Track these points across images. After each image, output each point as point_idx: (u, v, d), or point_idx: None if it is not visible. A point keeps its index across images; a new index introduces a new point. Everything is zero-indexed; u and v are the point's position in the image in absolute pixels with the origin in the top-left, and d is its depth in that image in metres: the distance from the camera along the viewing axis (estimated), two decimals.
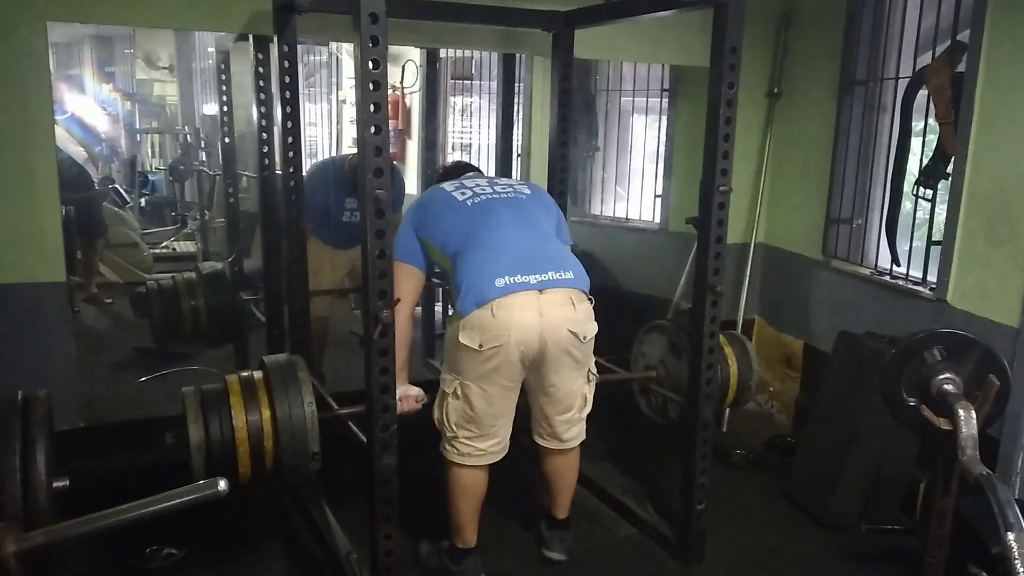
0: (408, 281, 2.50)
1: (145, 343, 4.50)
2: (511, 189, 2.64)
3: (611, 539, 3.04)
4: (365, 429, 2.29)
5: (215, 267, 4.14)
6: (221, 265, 4.24)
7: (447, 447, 2.57)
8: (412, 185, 6.22)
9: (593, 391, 2.70)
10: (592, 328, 2.54)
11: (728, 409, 3.67)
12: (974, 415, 2.22)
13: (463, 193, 2.57)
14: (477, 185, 2.62)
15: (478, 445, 2.53)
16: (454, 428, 2.53)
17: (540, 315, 2.38)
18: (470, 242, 2.46)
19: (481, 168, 3.02)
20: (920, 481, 3.03)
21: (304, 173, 3.11)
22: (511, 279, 2.37)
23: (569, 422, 2.67)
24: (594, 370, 2.67)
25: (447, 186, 2.64)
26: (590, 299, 2.54)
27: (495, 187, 2.63)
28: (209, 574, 2.74)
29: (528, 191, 2.67)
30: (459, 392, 2.48)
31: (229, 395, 2.27)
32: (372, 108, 2.01)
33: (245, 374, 2.36)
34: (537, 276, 2.40)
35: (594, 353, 2.65)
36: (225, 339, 4.14)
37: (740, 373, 3.09)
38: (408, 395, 2.52)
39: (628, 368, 3.31)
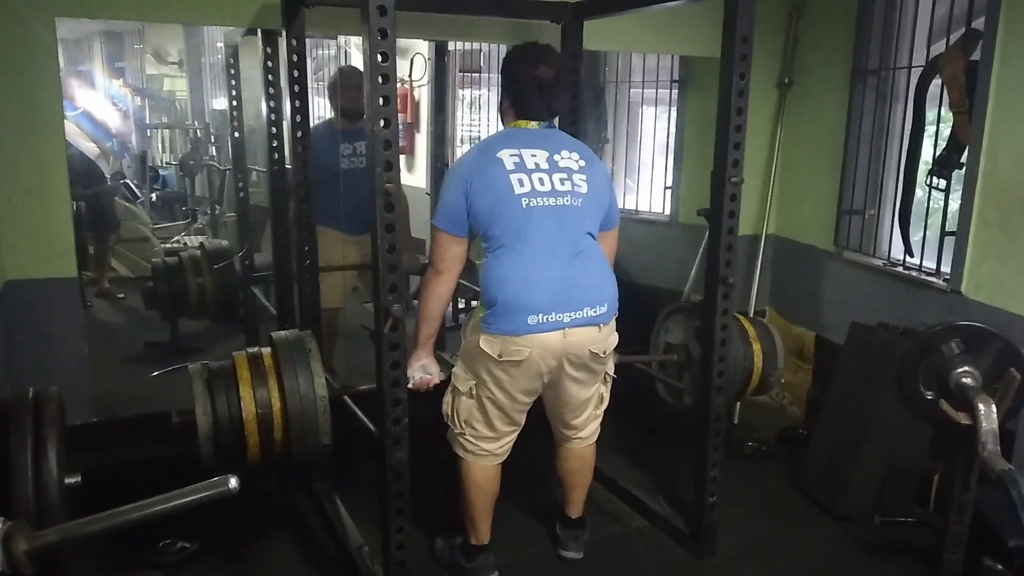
0: (455, 249, 2.41)
1: (157, 337, 4.53)
2: (569, 186, 2.41)
3: (623, 532, 3.04)
4: (376, 423, 2.28)
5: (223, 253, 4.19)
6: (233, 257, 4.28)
7: (454, 441, 2.57)
8: (421, 179, 6.22)
9: (610, 389, 2.69)
10: (612, 341, 2.52)
11: (739, 401, 3.64)
12: (994, 409, 2.19)
13: (522, 184, 2.36)
14: (536, 173, 2.38)
15: (483, 445, 2.53)
16: (462, 425, 2.52)
17: (564, 338, 2.37)
18: (513, 248, 2.35)
19: None
20: (933, 473, 3.01)
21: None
22: (544, 317, 2.33)
23: (585, 422, 2.67)
24: (611, 371, 2.66)
25: (508, 161, 2.37)
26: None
27: (554, 179, 2.39)
28: (222, 567, 2.75)
29: (586, 188, 2.43)
30: (473, 392, 2.47)
31: (237, 373, 2.29)
32: (381, 102, 2.00)
33: (252, 350, 2.37)
34: (571, 314, 2.36)
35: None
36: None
37: (765, 357, 3.05)
38: (428, 372, 2.48)
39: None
